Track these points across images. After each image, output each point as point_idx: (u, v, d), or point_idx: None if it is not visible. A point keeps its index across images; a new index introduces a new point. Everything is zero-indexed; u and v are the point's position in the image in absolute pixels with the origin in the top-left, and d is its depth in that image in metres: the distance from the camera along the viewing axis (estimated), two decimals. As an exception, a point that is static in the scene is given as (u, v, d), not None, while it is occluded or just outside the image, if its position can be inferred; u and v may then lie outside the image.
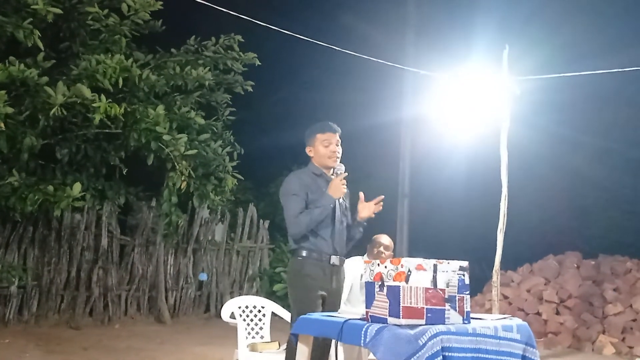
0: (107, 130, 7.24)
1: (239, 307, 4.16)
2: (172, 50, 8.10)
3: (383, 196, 3.39)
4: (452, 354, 2.44)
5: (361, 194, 3.42)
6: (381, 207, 3.40)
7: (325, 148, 3.38)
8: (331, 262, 3.34)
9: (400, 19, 11.51)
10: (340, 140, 3.43)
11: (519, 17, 10.25)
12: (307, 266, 3.34)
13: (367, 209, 3.40)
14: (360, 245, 4.30)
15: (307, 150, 3.47)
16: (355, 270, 4.12)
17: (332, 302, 3.35)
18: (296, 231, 3.31)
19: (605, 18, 10.74)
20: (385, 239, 4.24)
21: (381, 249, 4.16)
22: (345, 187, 3.34)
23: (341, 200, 3.40)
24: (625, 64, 6.24)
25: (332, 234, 3.35)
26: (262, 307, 4.27)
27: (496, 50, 6.66)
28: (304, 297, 3.31)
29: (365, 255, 4.22)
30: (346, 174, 3.34)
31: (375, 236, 4.29)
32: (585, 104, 11.06)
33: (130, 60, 6.58)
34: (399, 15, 11.54)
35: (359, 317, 2.75)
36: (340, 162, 3.41)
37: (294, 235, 3.34)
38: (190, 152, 6.74)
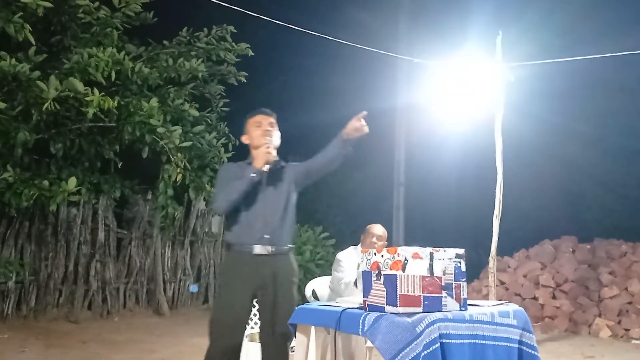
0: (101, 124, 7.22)
1: (237, 298, 4.17)
2: (165, 42, 8.05)
3: (365, 112, 2.98)
4: (450, 341, 2.47)
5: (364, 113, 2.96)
6: (366, 126, 2.97)
7: (257, 128, 3.13)
8: (255, 253, 2.95)
9: (393, 6, 11.48)
10: (276, 124, 3.17)
11: (512, 4, 10.23)
12: (228, 262, 3.05)
13: (351, 127, 2.95)
14: (356, 235, 4.32)
15: (243, 139, 3.22)
16: (350, 262, 4.13)
17: (269, 300, 2.94)
18: (214, 205, 3.07)
19: (598, 4, 10.72)
20: (378, 229, 4.19)
21: (374, 239, 4.14)
22: (270, 153, 3.01)
23: (269, 183, 3.02)
24: (618, 50, 6.25)
25: (255, 217, 2.97)
26: (261, 298, 4.28)
27: (490, 36, 6.66)
28: (220, 298, 3.01)
29: (360, 245, 4.23)
30: (271, 141, 3.08)
31: (368, 226, 4.26)
32: (579, 90, 11.09)
33: (123, 53, 6.53)
34: (392, 3, 11.50)
35: (356, 306, 2.77)
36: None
37: (215, 210, 3.13)
38: (185, 144, 6.73)
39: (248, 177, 2.94)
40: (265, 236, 2.96)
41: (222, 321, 2.92)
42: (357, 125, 2.94)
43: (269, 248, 2.96)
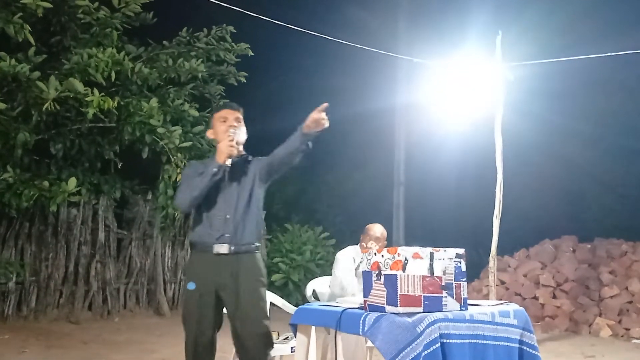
0: (101, 124, 7.22)
1: (238, 299, 4.16)
2: (164, 42, 8.05)
3: (326, 104, 2.83)
4: (450, 341, 2.47)
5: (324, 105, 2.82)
6: (326, 119, 2.80)
7: (222, 124, 2.99)
8: (215, 252, 2.86)
9: (393, 6, 11.48)
10: (242, 119, 3.05)
11: (511, 3, 10.23)
12: (190, 261, 3.05)
13: (311, 120, 2.79)
14: (356, 235, 4.31)
15: (208, 133, 3.14)
16: (349, 261, 4.11)
17: (231, 300, 2.85)
18: (177, 202, 3.04)
19: (598, 4, 10.73)
20: (377, 230, 4.13)
21: (370, 243, 4.10)
22: (233, 149, 2.89)
23: (232, 179, 2.94)
24: (617, 49, 6.25)
25: (215, 215, 2.89)
26: (261, 298, 4.28)
27: (489, 36, 6.66)
28: (185, 299, 2.97)
29: (359, 245, 4.21)
30: (235, 136, 2.96)
31: (367, 226, 4.21)
32: (579, 90, 11.09)
33: (122, 53, 6.54)
34: (392, 2, 11.51)
35: (357, 306, 2.77)
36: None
37: (179, 207, 3.05)
38: (185, 144, 6.73)
39: (209, 173, 2.85)
40: (226, 235, 2.85)
41: (188, 320, 2.92)
42: (317, 117, 2.77)
43: (230, 247, 2.85)
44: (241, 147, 3.04)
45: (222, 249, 2.85)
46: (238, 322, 2.86)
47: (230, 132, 2.93)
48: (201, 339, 2.89)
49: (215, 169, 2.85)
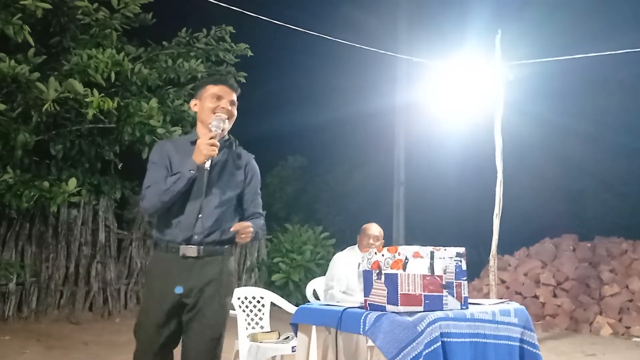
0: (100, 125, 7.22)
1: (238, 299, 4.18)
2: (164, 43, 8.06)
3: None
4: (451, 340, 2.47)
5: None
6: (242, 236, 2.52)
7: (214, 101, 2.59)
8: (181, 254, 2.51)
9: (392, 6, 11.48)
10: (236, 102, 2.65)
11: (511, 3, 10.23)
12: (153, 260, 2.64)
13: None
14: (356, 235, 4.31)
15: (192, 104, 2.70)
16: (346, 262, 4.11)
17: (192, 308, 2.52)
18: (144, 205, 2.61)
19: (597, 3, 10.73)
20: (373, 230, 4.13)
21: (370, 241, 4.11)
22: (214, 148, 2.48)
23: (212, 170, 2.56)
24: (617, 48, 6.26)
25: (185, 214, 2.53)
26: (262, 298, 4.29)
27: (489, 35, 6.67)
28: (145, 302, 2.65)
29: (356, 246, 4.21)
30: (219, 131, 2.54)
31: (364, 226, 4.21)
32: (578, 88, 11.10)
33: (122, 54, 6.55)
34: (391, 2, 11.51)
35: (357, 306, 2.77)
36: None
37: (144, 211, 2.63)
38: (185, 145, 6.73)
39: (185, 175, 2.50)
40: (195, 236, 2.52)
41: (145, 326, 2.56)
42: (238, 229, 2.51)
43: (199, 249, 2.52)
44: (227, 127, 2.65)
45: (190, 251, 2.51)
46: (189, 334, 2.54)
47: (213, 126, 2.53)
48: (155, 346, 2.54)
49: (192, 171, 2.50)
